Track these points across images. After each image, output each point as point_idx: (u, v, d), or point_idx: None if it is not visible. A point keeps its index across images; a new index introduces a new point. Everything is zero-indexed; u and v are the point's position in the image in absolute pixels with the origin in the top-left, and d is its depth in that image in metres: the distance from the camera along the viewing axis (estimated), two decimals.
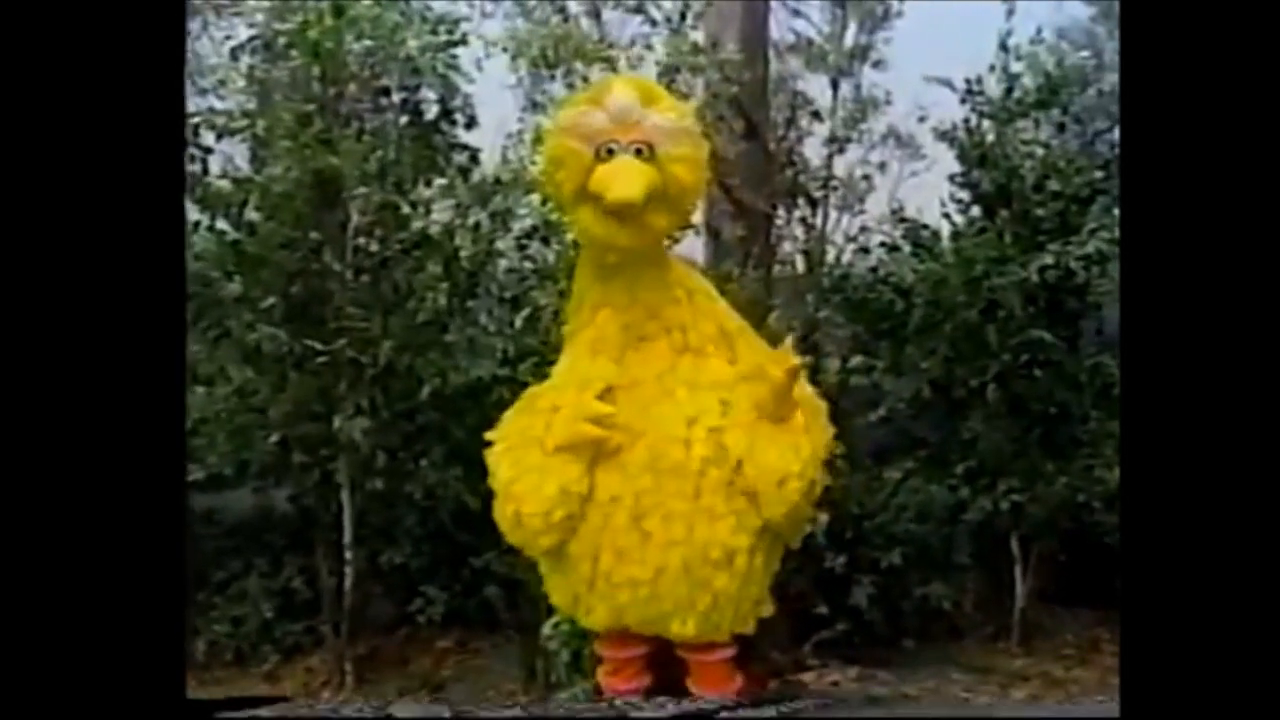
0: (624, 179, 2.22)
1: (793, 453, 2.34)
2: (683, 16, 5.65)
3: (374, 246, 5.34)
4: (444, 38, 5.32)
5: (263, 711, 2.13)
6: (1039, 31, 5.60)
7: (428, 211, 5.48)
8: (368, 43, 5.19)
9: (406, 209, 5.31)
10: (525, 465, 2.39)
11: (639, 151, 2.26)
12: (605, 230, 2.30)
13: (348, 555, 5.30)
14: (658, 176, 2.26)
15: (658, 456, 2.33)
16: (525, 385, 2.55)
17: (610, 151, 2.26)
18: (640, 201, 2.22)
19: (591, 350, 2.46)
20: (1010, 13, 5.46)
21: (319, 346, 5.02)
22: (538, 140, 5.58)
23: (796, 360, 2.35)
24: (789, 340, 2.51)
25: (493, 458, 2.46)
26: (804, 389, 2.47)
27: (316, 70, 5.20)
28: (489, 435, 2.50)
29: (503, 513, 2.43)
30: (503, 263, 5.61)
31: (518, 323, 5.03)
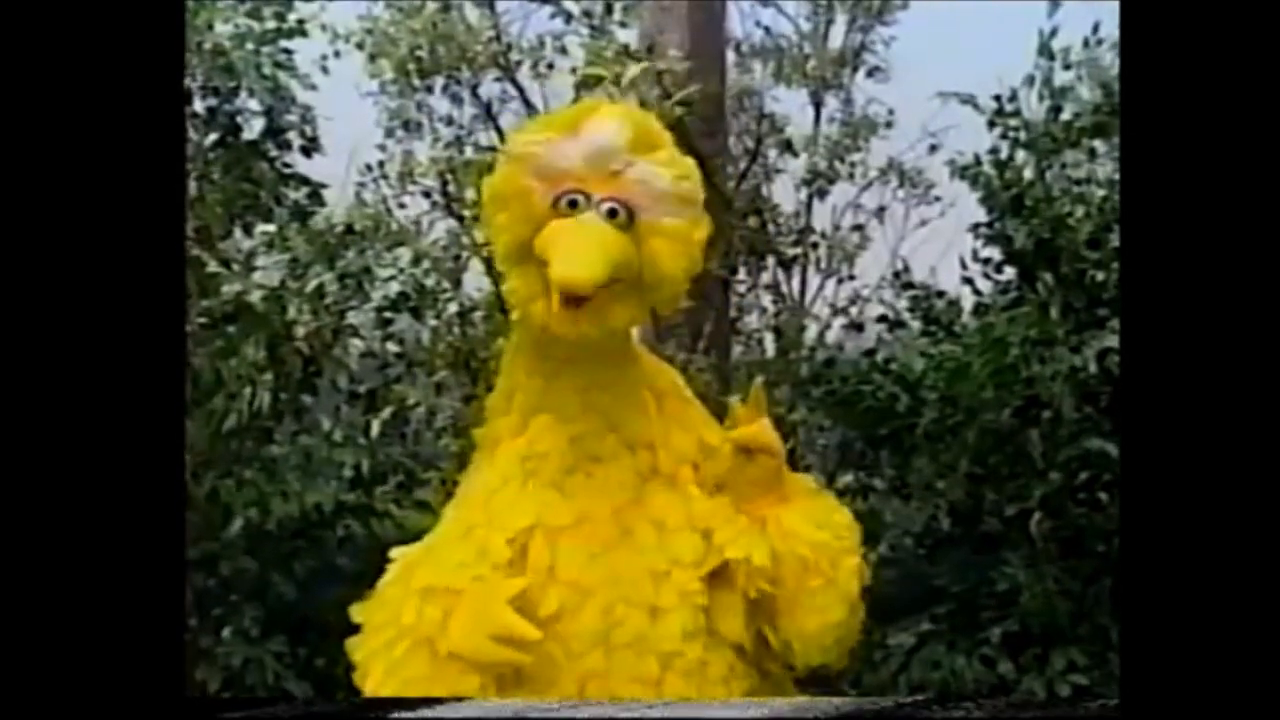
0: (580, 250, 2.18)
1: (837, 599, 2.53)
2: (608, 9, 5.88)
3: None
4: (271, 24, 5.18)
5: (262, 712, 2.55)
6: (1097, 29, 5.52)
7: (247, 271, 5.32)
8: None
9: (214, 266, 5.14)
10: (406, 673, 2.31)
11: (613, 213, 2.24)
12: (544, 311, 2.27)
13: None
14: (631, 253, 2.24)
15: (613, 626, 2.34)
16: (385, 517, 2.44)
17: (574, 204, 2.25)
18: (594, 288, 2.18)
19: (522, 471, 2.43)
20: (1055, 3, 5.38)
21: None
22: (408, 176, 5.53)
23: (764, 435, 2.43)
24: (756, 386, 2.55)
25: (360, 652, 2.39)
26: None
27: None
28: (356, 612, 2.42)
29: None
30: (356, 344, 5.49)
31: (375, 428, 4.98)
